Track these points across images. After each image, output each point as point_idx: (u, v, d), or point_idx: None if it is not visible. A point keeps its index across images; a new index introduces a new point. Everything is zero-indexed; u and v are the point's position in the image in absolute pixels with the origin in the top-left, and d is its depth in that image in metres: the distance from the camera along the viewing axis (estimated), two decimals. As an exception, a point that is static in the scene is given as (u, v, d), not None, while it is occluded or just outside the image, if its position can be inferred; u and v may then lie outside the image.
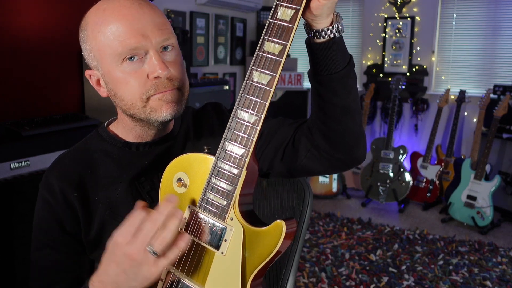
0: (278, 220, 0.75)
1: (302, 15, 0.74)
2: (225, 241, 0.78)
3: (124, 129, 0.97)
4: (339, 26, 0.77)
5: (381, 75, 4.24)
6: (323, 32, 0.76)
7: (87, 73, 0.93)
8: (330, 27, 0.76)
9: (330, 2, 0.72)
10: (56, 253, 0.95)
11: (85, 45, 0.89)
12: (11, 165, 1.90)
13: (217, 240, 0.79)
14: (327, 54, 0.78)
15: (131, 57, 0.84)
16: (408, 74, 4.11)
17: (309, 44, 0.80)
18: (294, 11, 0.72)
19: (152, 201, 0.94)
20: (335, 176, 4.02)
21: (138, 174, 0.95)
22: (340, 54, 0.79)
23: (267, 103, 0.74)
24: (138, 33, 0.83)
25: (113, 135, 0.98)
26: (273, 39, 0.73)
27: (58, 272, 0.96)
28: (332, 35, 0.77)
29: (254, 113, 0.75)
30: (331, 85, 0.81)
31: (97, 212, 0.93)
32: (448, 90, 3.83)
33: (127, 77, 0.86)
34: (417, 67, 4.09)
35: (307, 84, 4.43)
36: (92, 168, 0.95)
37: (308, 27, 0.78)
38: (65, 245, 0.95)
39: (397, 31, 4.13)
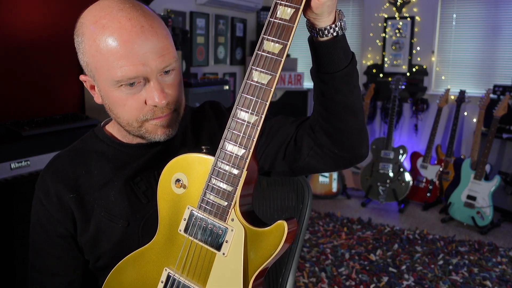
0: (279, 221, 0.75)
1: (304, 14, 0.74)
2: (226, 242, 0.78)
3: (120, 131, 0.97)
4: (342, 23, 0.76)
5: (381, 75, 4.24)
6: (326, 31, 0.76)
7: (81, 77, 0.91)
8: (333, 25, 0.76)
9: (329, 0, 0.71)
10: (51, 257, 0.96)
11: (81, 55, 0.86)
12: (11, 165, 1.90)
13: (218, 241, 0.79)
14: (330, 52, 0.78)
15: (130, 83, 0.83)
16: (408, 74, 4.11)
17: (312, 42, 0.80)
18: (294, 10, 0.71)
19: (148, 201, 0.94)
20: (335, 176, 4.02)
21: (133, 174, 0.94)
22: (343, 52, 0.79)
23: (267, 103, 0.73)
24: (139, 62, 0.80)
25: (109, 135, 0.98)
26: (273, 38, 0.73)
27: (54, 276, 0.97)
28: (335, 33, 0.76)
29: (254, 113, 0.74)
30: (334, 83, 0.80)
31: (92, 212, 0.93)
32: (448, 90, 3.83)
33: (124, 100, 0.85)
34: (417, 67, 4.09)
35: (307, 84, 4.43)
36: (87, 168, 0.95)
37: (311, 26, 0.77)
38: (61, 249, 0.95)
39: (397, 31, 4.12)
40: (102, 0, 0.84)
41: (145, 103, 0.85)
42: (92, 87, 0.91)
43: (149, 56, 0.81)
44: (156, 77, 0.84)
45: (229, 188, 0.77)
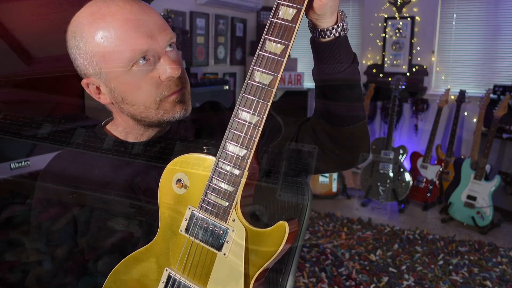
0: (280, 221, 0.74)
1: (306, 14, 0.74)
2: (227, 243, 0.78)
3: (122, 130, 0.97)
4: (344, 24, 0.77)
5: (381, 75, 4.23)
6: (328, 32, 0.76)
7: (83, 82, 0.90)
8: (335, 26, 0.76)
9: (331, 1, 0.71)
10: (50, 258, 0.96)
11: (82, 53, 0.86)
12: (11, 165, 1.90)
13: (218, 242, 0.79)
14: (332, 53, 0.78)
15: (141, 60, 0.83)
16: (408, 74, 4.11)
17: (314, 42, 0.80)
18: (296, 10, 0.71)
19: (148, 201, 0.93)
20: (335, 176, 4.02)
21: (134, 174, 0.94)
22: (345, 53, 0.79)
23: (269, 104, 0.73)
24: (147, 36, 0.82)
25: (109, 135, 0.98)
26: (275, 39, 0.73)
27: (52, 277, 0.97)
28: (337, 34, 0.76)
29: (256, 113, 0.74)
30: (335, 84, 0.80)
31: (93, 212, 0.93)
32: (448, 90, 3.83)
33: (138, 82, 0.85)
34: (417, 67, 4.09)
35: (307, 84, 4.43)
36: (88, 168, 0.95)
37: (313, 26, 0.77)
38: (59, 250, 0.95)
39: (397, 31, 4.12)
40: (90, 1, 0.85)
41: (160, 79, 0.86)
42: (97, 89, 0.90)
43: (154, 30, 0.83)
44: (165, 53, 0.85)
45: (230, 189, 0.76)
